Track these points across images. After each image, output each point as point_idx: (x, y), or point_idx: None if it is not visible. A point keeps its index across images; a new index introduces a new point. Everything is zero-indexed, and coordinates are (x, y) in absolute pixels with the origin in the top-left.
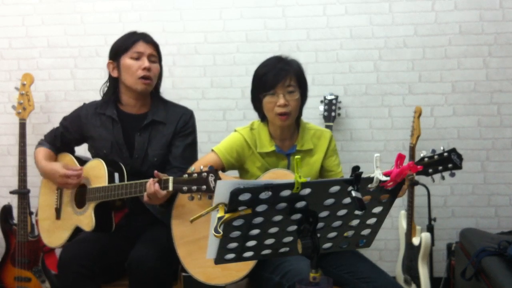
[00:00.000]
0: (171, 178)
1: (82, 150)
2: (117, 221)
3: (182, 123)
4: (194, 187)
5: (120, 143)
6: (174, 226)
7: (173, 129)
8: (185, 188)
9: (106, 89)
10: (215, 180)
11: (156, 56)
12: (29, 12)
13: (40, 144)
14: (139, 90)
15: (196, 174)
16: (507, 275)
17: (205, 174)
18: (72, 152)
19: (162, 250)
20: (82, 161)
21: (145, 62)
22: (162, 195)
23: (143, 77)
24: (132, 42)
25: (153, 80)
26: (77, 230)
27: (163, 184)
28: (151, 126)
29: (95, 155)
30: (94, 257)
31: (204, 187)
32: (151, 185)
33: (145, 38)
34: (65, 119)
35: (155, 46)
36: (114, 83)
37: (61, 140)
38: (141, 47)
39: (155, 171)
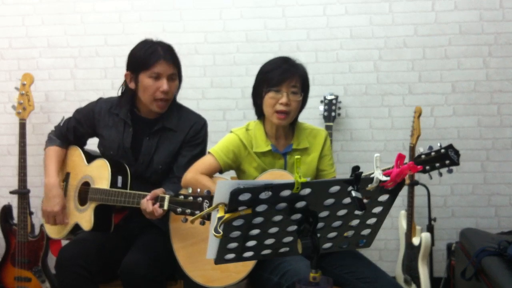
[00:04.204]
0: (167, 197)
1: (94, 145)
2: (116, 222)
3: (193, 132)
4: (188, 211)
5: (126, 147)
6: (173, 228)
7: (183, 138)
8: (179, 209)
9: (123, 91)
10: (209, 207)
11: (176, 74)
12: (29, 12)
13: (50, 140)
14: (154, 110)
15: (192, 198)
16: (507, 275)
17: (201, 199)
18: (84, 144)
19: (155, 257)
20: (91, 156)
21: (164, 85)
22: (159, 214)
23: (160, 99)
24: (153, 62)
25: (170, 99)
26: (77, 227)
27: (159, 202)
28: (160, 132)
29: (103, 153)
30: (92, 257)
31: (197, 212)
32: (147, 203)
33: (166, 57)
34: (78, 112)
35: (176, 64)
36: (131, 92)
37: (74, 133)
38: (161, 67)
39: (152, 191)
